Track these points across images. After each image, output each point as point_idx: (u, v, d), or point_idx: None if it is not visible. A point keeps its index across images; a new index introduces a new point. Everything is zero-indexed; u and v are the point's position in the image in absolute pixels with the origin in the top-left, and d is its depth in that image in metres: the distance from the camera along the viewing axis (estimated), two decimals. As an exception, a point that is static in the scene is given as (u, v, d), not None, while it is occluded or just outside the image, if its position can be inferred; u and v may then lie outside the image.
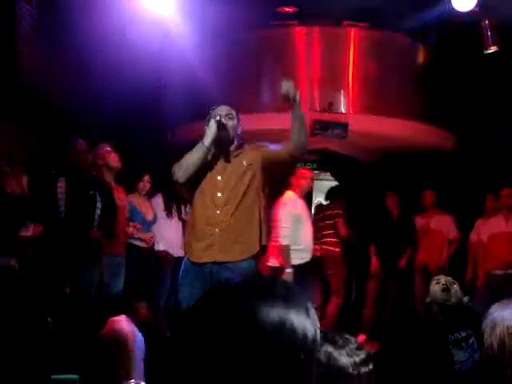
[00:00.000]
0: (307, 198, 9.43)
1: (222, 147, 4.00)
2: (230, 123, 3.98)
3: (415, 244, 7.67)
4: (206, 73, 7.26)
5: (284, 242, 6.03)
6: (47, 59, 6.64)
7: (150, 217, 6.41)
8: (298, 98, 3.94)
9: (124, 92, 6.72)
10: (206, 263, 3.89)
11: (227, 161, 4.00)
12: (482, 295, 7.10)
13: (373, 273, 7.50)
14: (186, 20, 6.52)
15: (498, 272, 7.09)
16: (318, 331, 1.06)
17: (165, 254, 6.46)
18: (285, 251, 5.99)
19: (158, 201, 6.59)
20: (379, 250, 7.50)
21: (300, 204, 6.49)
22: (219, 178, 3.95)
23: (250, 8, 7.78)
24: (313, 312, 1.07)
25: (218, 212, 3.90)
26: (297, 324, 1.02)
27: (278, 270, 5.97)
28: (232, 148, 4.03)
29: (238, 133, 4.08)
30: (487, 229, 7.25)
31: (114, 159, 5.81)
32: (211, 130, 3.90)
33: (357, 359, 1.76)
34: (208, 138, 3.89)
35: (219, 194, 3.92)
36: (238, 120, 4.09)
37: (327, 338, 1.77)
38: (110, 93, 6.67)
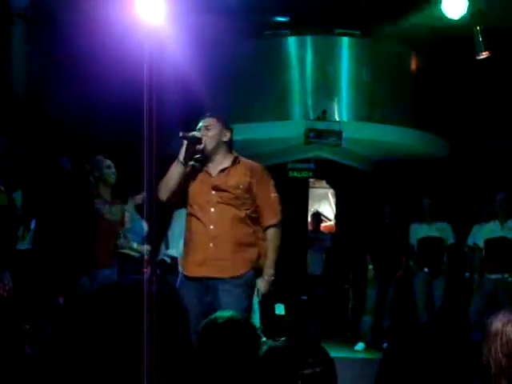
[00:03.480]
0: (303, 206, 9.49)
1: (206, 159, 4.02)
2: (210, 134, 3.97)
3: (410, 251, 7.66)
4: (199, 83, 7.27)
5: None
6: (41, 69, 6.65)
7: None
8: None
9: (116, 105, 6.73)
10: (199, 277, 3.88)
11: (219, 174, 3.99)
12: (478, 300, 7.12)
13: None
14: (179, 30, 6.53)
15: (494, 277, 7.10)
16: None
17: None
18: None
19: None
20: (376, 256, 7.49)
21: None
22: (213, 192, 3.94)
23: (243, 18, 7.81)
24: None
25: (212, 227, 3.89)
26: None
27: None
28: (220, 158, 4.02)
29: (224, 140, 4.05)
30: (483, 234, 7.26)
31: (109, 173, 5.79)
32: (183, 146, 3.94)
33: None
34: (181, 154, 3.93)
35: (212, 210, 3.91)
36: (227, 128, 4.07)
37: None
38: (103, 105, 6.68)
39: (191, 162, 4.05)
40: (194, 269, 3.91)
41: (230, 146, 4.13)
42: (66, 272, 5.16)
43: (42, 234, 5.31)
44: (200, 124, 4.03)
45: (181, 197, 3.99)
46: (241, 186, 3.95)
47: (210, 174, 4.01)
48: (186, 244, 4.09)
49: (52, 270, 5.15)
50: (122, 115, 6.89)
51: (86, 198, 5.49)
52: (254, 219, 4.00)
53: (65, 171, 5.57)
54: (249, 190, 3.96)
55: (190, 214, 4.01)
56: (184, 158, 3.93)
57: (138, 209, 6.60)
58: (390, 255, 7.41)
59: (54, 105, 6.58)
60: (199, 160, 4.05)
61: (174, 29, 6.29)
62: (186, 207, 4.07)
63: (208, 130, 4.00)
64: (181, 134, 3.94)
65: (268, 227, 4.00)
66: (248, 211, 3.96)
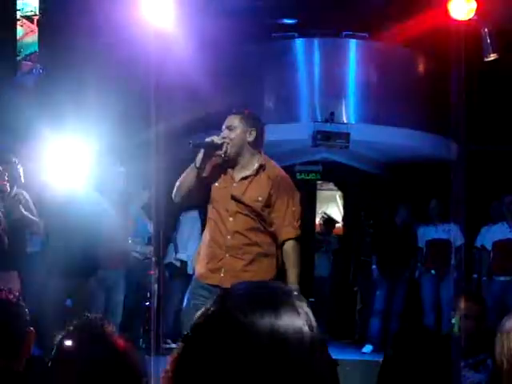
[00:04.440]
0: (310, 208, 9.48)
1: (227, 163, 3.80)
2: (232, 135, 3.72)
3: (419, 253, 7.64)
4: (206, 86, 7.28)
5: None
6: (50, 73, 6.69)
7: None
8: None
9: (123, 106, 6.75)
10: (211, 285, 3.74)
11: (240, 182, 3.79)
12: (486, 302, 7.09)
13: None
14: (186, 33, 6.54)
15: (503, 279, 7.09)
16: (314, 324, 1.03)
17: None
18: None
19: (195, 215, 6.65)
20: (384, 258, 7.48)
21: None
22: (233, 202, 3.76)
23: (251, 20, 7.82)
24: (304, 306, 1.05)
25: (229, 237, 3.74)
26: (286, 328, 0.99)
27: None
28: (245, 161, 3.79)
29: (250, 140, 3.77)
30: (491, 236, 7.24)
31: (120, 178, 5.83)
32: (200, 153, 3.71)
33: None
34: (198, 160, 3.71)
35: (231, 219, 3.74)
36: (252, 126, 3.78)
37: None
38: (110, 105, 6.70)
39: (215, 159, 3.81)
40: (209, 276, 3.77)
41: (259, 145, 3.84)
42: (74, 274, 5.17)
43: (50, 236, 5.33)
44: (223, 126, 3.78)
45: (198, 196, 3.85)
46: (260, 199, 3.75)
47: (233, 179, 3.81)
48: (202, 247, 3.92)
49: (59, 272, 5.16)
50: (129, 116, 6.92)
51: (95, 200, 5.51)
52: (272, 231, 3.82)
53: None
54: (268, 201, 3.76)
55: (210, 217, 3.84)
56: (200, 164, 3.71)
57: (144, 209, 6.62)
58: (398, 257, 7.40)
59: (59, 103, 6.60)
60: (223, 160, 3.81)
61: (181, 31, 6.29)
62: (206, 205, 3.88)
63: (230, 131, 3.74)
64: (191, 143, 3.74)
65: (284, 241, 3.79)
66: (266, 223, 3.78)
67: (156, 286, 6.07)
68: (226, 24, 7.10)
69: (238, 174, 3.80)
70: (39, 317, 4.84)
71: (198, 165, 3.71)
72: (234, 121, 3.77)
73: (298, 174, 8.84)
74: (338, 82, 8.50)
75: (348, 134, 8.00)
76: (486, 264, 7.27)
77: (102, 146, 5.70)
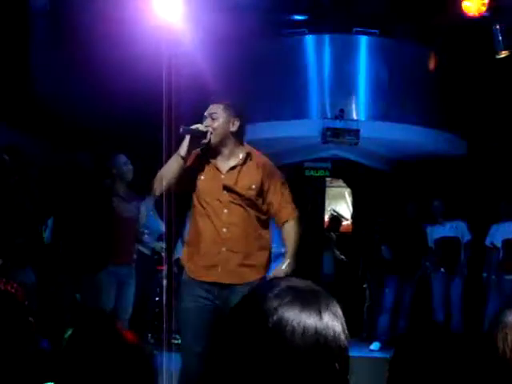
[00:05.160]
0: (319, 205, 9.47)
1: (209, 153, 3.69)
2: (215, 124, 3.60)
3: (429, 251, 7.62)
4: (216, 82, 7.29)
5: None
6: (61, 67, 6.70)
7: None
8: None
9: (135, 102, 6.77)
10: (207, 282, 3.62)
11: (229, 172, 3.68)
12: (495, 300, 7.06)
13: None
14: (197, 29, 6.54)
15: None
16: (345, 328, 1.02)
17: None
18: None
19: None
20: (394, 257, 7.45)
21: None
22: (225, 192, 3.65)
23: (262, 17, 7.81)
24: (338, 309, 1.03)
25: (225, 230, 3.61)
26: (327, 332, 0.97)
27: None
28: (228, 152, 3.68)
29: (233, 130, 3.65)
30: (501, 234, 7.21)
31: (127, 169, 5.81)
32: (185, 140, 3.60)
33: None
34: (182, 148, 3.60)
35: (225, 211, 3.62)
36: (235, 116, 3.65)
37: None
38: (122, 102, 6.71)
39: (196, 150, 3.71)
40: (203, 273, 3.64)
41: (241, 136, 3.74)
42: (83, 268, 5.19)
43: (60, 230, 5.35)
44: (205, 113, 3.65)
45: (179, 189, 3.69)
46: (253, 187, 3.66)
47: (219, 170, 3.69)
48: (191, 245, 3.80)
49: (69, 266, 5.18)
50: (141, 112, 6.93)
51: (105, 196, 5.52)
52: (265, 221, 3.76)
53: (83, 167, 5.59)
54: (261, 189, 3.68)
55: (198, 214, 3.69)
56: (186, 153, 3.59)
57: (157, 205, 6.62)
58: (409, 255, 7.37)
59: (72, 102, 6.63)
60: (204, 149, 3.71)
61: (191, 27, 6.30)
62: (190, 203, 3.77)
63: (213, 120, 3.62)
64: (181, 129, 3.58)
65: (284, 223, 3.75)
66: (260, 213, 3.71)
67: (166, 281, 6.08)
68: (236, 20, 7.09)
69: (224, 165, 3.68)
70: (50, 311, 4.88)
71: (182, 153, 3.59)
72: (217, 109, 3.64)
73: (306, 170, 8.83)
74: (349, 78, 8.48)
75: (358, 131, 7.98)
76: (496, 262, 7.24)
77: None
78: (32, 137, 6.59)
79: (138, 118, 7.04)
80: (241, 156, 3.70)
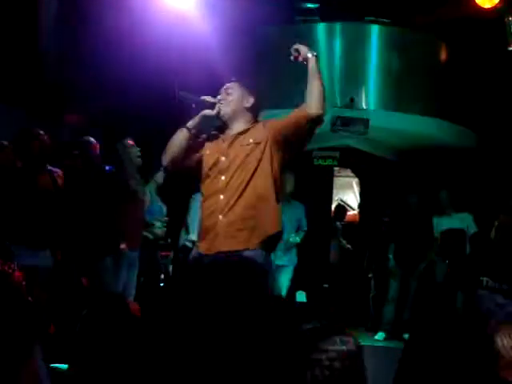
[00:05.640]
0: (326, 194, 9.46)
1: (224, 127, 3.65)
2: (229, 98, 3.60)
3: (434, 243, 7.61)
4: (227, 69, 7.29)
5: None
6: (71, 51, 6.71)
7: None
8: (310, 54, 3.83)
9: (145, 87, 6.78)
10: (211, 254, 3.49)
11: (232, 141, 3.59)
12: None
13: None
14: (209, 16, 6.54)
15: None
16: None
17: None
18: None
19: None
20: (399, 247, 7.45)
21: None
22: (223, 158, 3.56)
23: (273, 4, 7.79)
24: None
25: (222, 197, 3.50)
26: None
27: None
28: (236, 125, 3.62)
29: (246, 106, 3.63)
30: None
31: (134, 154, 5.82)
32: (197, 116, 3.60)
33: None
34: (191, 122, 3.60)
35: (223, 178, 3.52)
36: (250, 94, 3.64)
37: None
38: (133, 87, 6.72)
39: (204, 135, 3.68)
40: (205, 246, 3.54)
41: (257, 112, 3.69)
42: (91, 252, 5.20)
43: (70, 212, 5.35)
44: (221, 89, 3.65)
45: (187, 162, 3.64)
46: (254, 141, 3.53)
47: (224, 142, 3.62)
48: (201, 219, 3.70)
49: (77, 249, 5.20)
50: (151, 98, 6.94)
51: (112, 178, 5.52)
52: (268, 188, 3.53)
53: (90, 152, 5.60)
54: (264, 156, 3.51)
55: (202, 187, 3.64)
56: (193, 126, 3.59)
57: (159, 191, 6.64)
58: (413, 246, 7.37)
59: (83, 86, 6.64)
60: (217, 129, 3.68)
61: (202, 14, 6.30)
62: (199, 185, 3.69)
63: (228, 95, 3.63)
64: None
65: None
66: (268, 187, 3.52)
67: (171, 267, 6.10)
68: (247, 8, 7.08)
69: (232, 133, 3.62)
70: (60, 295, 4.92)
71: (189, 125, 3.60)
72: (233, 86, 3.66)
73: (315, 159, 8.82)
74: (359, 67, 8.45)
75: (367, 120, 7.96)
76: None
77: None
78: (51, 124, 6.61)
79: (148, 102, 7.05)
80: (249, 124, 3.64)
